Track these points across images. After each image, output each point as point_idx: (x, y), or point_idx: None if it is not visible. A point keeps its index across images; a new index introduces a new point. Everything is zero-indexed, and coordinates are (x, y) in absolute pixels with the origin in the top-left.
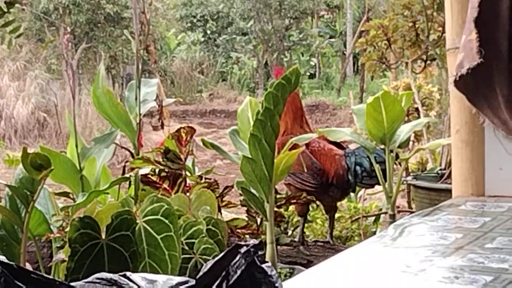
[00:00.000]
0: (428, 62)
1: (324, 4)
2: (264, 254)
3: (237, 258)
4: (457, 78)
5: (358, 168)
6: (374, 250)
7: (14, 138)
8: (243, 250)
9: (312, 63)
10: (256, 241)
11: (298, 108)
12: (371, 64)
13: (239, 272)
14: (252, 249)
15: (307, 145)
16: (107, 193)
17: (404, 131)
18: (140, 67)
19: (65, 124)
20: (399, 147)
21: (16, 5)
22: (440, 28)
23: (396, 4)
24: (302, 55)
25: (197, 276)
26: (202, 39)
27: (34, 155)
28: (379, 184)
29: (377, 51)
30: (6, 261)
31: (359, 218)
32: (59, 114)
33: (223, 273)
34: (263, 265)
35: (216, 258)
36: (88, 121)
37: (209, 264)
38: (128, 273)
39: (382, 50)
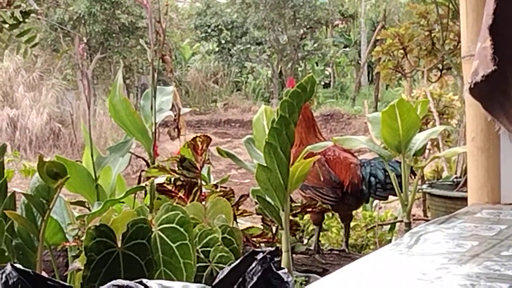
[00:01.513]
0: (444, 71)
1: (339, 14)
2: (280, 261)
3: (254, 264)
4: (472, 86)
5: (372, 179)
6: (390, 258)
7: (29, 148)
8: (259, 256)
9: (327, 73)
10: (272, 248)
11: (310, 118)
12: (387, 72)
13: (255, 278)
14: (268, 256)
15: (322, 154)
16: (123, 202)
17: (420, 139)
18: (155, 76)
19: (80, 134)
20: (414, 155)
21: (32, 15)
22: (456, 38)
23: (412, 13)
24: (317, 65)
25: (214, 283)
26: (217, 49)
27: (50, 163)
28: (393, 195)
29: (393, 60)
30: (23, 268)
31: (374, 226)
32: (74, 124)
33: (240, 280)
34: (279, 272)
35: (233, 265)
36: (102, 131)
37: (226, 270)
38: (144, 280)
39: (398, 59)
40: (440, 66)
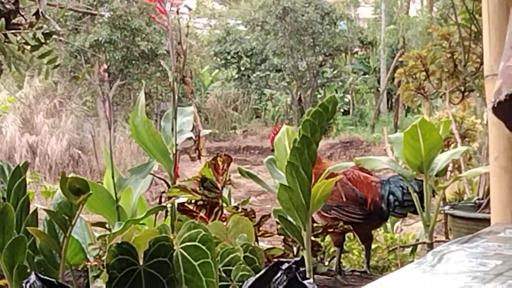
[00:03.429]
0: (466, 93)
1: (358, 41)
2: (305, 271)
3: (279, 274)
4: (495, 105)
5: (391, 197)
6: (413, 277)
7: (48, 175)
8: (284, 266)
9: (346, 100)
10: (297, 258)
11: None
12: (409, 94)
13: None
14: (293, 266)
15: (343, 174)
16: (143, 224)
17: (442, 159)
18: (176, 97)
19: (99, 161)
20: (436, 175)
21: (54, 37)
22: (478, 60)
23: (434, 35)
24: (336, 92)
25: None
26: (236, 76)
27: (73, 179)
28: (411, 212)
29: (415, 82)
30: (47, 277)
31: (396, 248)
32: (94, 150)
33: None
34: (305, 282)
35: (258, 275)
36: (122, 158)
37: (251, 280)
38: None
39: (420, 81)
40: (462, 88)
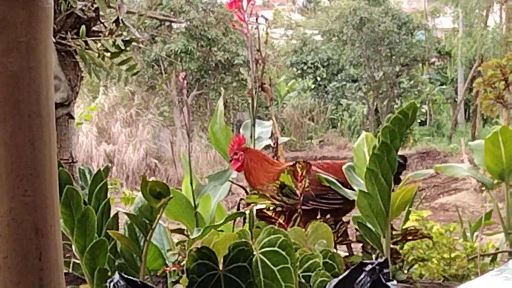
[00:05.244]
0: None
1: (435, 51)
2: (389, 273)
3: (362, 275)
4: None
5: None
6: (495, 284)
7: (125, 184)
8: (368, 268)
9: (423, 110)
10: (381, 260)
11: (260, 157)
12: (488, 103)
13: None
14: (377, 267)
15: (308, 167)
16: (222, 231)
17: None
18: (255, 104)
19: (177, 170)
20: None
21: (132, 43)
22: None
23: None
24: None
25: None
26: (312, 86)
27: (153, 183)
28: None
29: (495, 91)
30: (130, 277)
31: (476, 257)
32: (171, 160)
33: None
34: (389, 283)
35: (341, 276)
36: (198, 167)
37: (334, 282)
38: None
39: (500, 90)
40: None
